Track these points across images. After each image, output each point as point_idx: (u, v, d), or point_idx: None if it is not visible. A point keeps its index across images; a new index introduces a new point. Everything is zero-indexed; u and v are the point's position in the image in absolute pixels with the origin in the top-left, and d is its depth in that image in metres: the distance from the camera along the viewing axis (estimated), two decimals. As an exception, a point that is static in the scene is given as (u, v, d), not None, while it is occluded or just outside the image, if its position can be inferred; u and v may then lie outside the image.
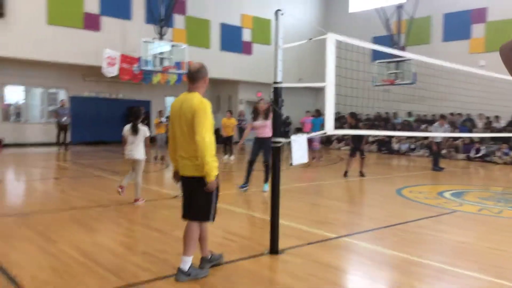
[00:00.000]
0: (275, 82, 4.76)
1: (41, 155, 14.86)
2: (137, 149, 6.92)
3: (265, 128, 8.13)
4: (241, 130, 16.35)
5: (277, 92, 4.76)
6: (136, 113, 6.95)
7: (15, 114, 18.20)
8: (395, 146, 19.03)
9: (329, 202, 8.00)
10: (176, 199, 7.57)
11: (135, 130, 6.85)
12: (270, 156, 5.45)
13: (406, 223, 6.11)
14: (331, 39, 4.99)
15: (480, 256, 4.73)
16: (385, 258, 4.69)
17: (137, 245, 4.94)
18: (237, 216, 6.56)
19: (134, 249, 4.75)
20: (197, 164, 3.71)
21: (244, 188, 8.29)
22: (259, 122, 8.29)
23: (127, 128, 6.93)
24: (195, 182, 3.78)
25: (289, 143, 4.76)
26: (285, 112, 22.91)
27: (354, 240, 5.26)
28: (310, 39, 5.04)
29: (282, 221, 5.88)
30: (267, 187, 8.13)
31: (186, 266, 3.83)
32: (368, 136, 19.78)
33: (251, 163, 8.34)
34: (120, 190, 6.93)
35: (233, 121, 14.05)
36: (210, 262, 4.11)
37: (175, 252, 4.57)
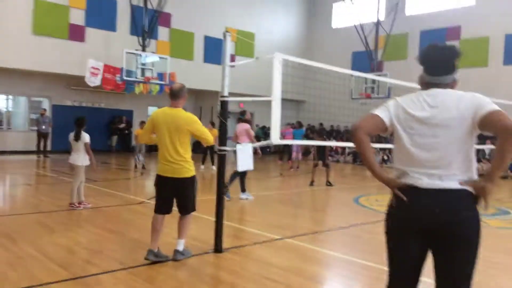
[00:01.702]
0: (222, 96, 5.20)
1: (21, 162, 15.16)
2: (78, 156, 7.28)
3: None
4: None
5: (223, 105, 5.20)
6: (80, 121, 7.32)
7: (-2, 121, 18.47)
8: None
9: (285, 209, 8.45)
10: (140, 204, 7.97)
11: (77, 137, 7.22)
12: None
13: (349, 227, 6.57)
14: (278, 58, 5.40)
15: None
16: (318, 256, 5.15)
17: (92, 244, 5.31)
18: (194, 219, 6.96)
19: (87, 248, 5.13)
20: (186, 167, 4.58)
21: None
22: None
23: (71, 135, 7.31)
24: (185, 182, 4.62)
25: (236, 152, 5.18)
26: (266, 123, 23.49)
27: (295, 241, 5.69)
28: (257, 57, 5.49)
29: (235, 224, 6.36)
30: (245, 195, 8.74)
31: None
32: (331, 148, 20.35)
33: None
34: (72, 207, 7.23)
35: (215, 132, 14.44)
36: (182, 254, 4.77)
37: (126, 250, 4.99)
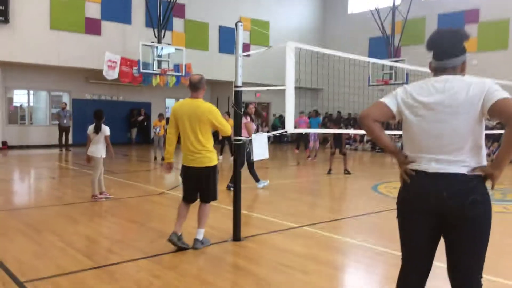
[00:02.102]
0: (236, 86, 5.25)
1: (43, 156, 15.52)
2: (97, 148, 7.42)
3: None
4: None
5: (237, 95, 5.26)
6: (98, 114, 7.47)
7: (20, 117, 18.89)
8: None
9: (303, 197, 8.51)
10: (160, 195, 8.13)
11: (97, 130, 7.37)
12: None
13: (366, 215, 6.59)
14: (291, 47, 5.42)
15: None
16: (335, 244, 5.20)
17: (114, 234, 5.47)
18: (213, 209, 7.08)
19: (110, 238, 5.28)
20: (208, 156, 4.69)
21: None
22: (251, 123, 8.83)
23: (91, 128, 7.46)
24: (207, 171, 4.73)
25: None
26: (283, 112, 23.47)
27: (312, 229, 5.75)
28: (270, 47, 5.51)
29: (253, 213, 6.45)
30: (261, 184, 8.84)
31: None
32: (349, 136, 20.22)
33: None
34: (95, 198, 7.42)
35: (231, 122, 14.55)
36: (202, 243, 4.89)
37: (147, 240, 5.12)
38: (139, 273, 4.09)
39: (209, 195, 4.84)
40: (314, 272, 4.18)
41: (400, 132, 7.33)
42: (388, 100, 2.43)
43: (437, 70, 2.38)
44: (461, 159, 2.22)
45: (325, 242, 5.25)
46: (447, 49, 2.33)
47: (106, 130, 7.40)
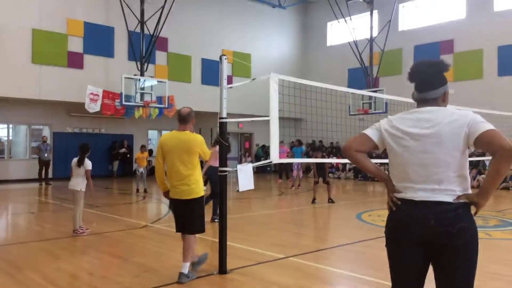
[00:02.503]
0: (221, 118, 5.30)
1: (23, 190, 15.18)
2: (77, 182, 7.37)
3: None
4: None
5: (222, 126, 5.30)
6: (83, 147, 7.44)
7: (-1, 151, 18.57)
8: (371, 173, 19.60)
9: (288, 227, 8.47)
10: (143, 228, 8.01)
11: (79, 163, 7.32)
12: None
13: (352, 244, 6.59)
14: (274, 79, 5.52)
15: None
16: (322, 274, 5.17)
17: (96, 269, 5.34)
18: (199, 240, 6.99)
19: (93, 274, 5.15)
20: (194, 187, 4.73)
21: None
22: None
23: (74, 160, 7.41)
24: (193, 203, 4.76)
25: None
26: (266, 142, 23.58)
27: (299, 259, 5.71)
28: (254, 79, 5.60)
29: (238, 245, 6.38)
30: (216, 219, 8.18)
31: (186, 270, 4.76)
32: (332, 165, 20.40)
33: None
34: (76, 233, 7.30)
35: (213, 150, 14.59)
36: (198, 263, 5.06)
37: (131, 275, 5.00)
38: (123, 310, 3.99)
39: (194, 226, 4.82)
40: (302, 303, 4.14)
41: (379, 161, 7.31)
42: (370, 132, 2.51)
43: (419, 101, 2.46)
44: (447, 188, 2.27)
45: (312, 272, 5.22)
46: (427, 81, 2.41)
47: (88, 164, 7.35)
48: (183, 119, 4.85)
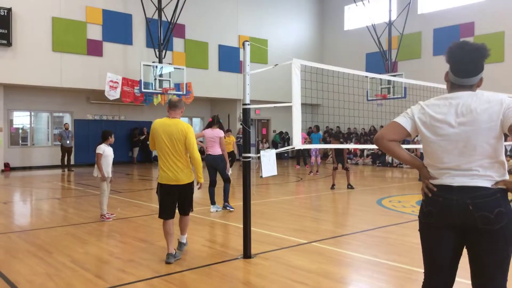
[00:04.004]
0: (244, 104, 5.33)
1: (46, 177, 15.52)
2: (95, 167, 7.53)
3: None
4: (240, 146, 16.97)
5: (245, 113, 5.33)
6: (103, 133, 7.56)
7: (22, 138, 18.95)
8: (389, 158, 19.48)
9: (309, 212, 8.52)
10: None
11: (95, 149, 7.47)
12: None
13: (374, 229, 6.61)
14: (296, 64, 5.51)
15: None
16: (346, 259, 5.22)
17: (124, 254, 5.48)
18: (222, 226, 7.10)
19: (120, 257, 5.29)
20: (185, 173, 4.92)
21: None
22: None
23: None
24: (187, 187, 5.01)
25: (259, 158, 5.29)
26: (283, 128, 23.58)
27: (322, 244, 5.77)
28: (276, 65, 5.60)
29: (260, 230, 6.46)
30: (215, 208, 8.24)
31: (184, 240, 5.44)
32: (350, 151, 20.29)
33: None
34: (102, 218, 7.48)
35: (233, 138, 14.69)
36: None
37: (158, 259, 5.13)
38: (153, 292, 4.10)
39: (188, 208, 5.20)
40: None
41: (409, 146, 7.16)
42: (403, 120, 2.48)
43: (454, 85, 2.41)
44: (485, 174, 2.27)
45: (335, 257, 5.27)
46: (471, 69, 2.33)
47: (97, 148, 7.48)
48: (174, 105, 5.01)
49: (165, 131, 4.88)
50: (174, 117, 5.00)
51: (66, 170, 16.94)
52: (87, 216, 7.81)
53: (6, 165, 17.32)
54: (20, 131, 18.99)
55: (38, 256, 5.31)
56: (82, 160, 19.11)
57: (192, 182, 5.06)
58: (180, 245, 5.39)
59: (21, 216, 8.63)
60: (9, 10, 15.51)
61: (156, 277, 4.51)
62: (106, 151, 7.44)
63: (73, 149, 17.71)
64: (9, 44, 15.52)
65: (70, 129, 17.93)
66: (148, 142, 6.22)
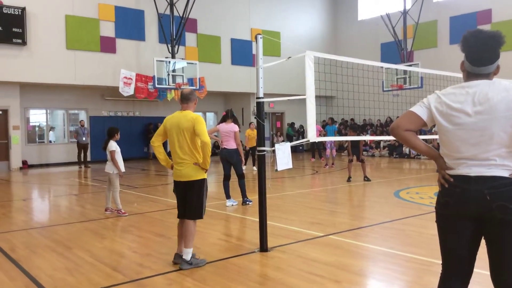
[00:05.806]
0: (258, 98, 5.30)
1: (63, 173, 15.73)
2: (109, 164, 7.57)
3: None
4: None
5: (259, 106, 5.30)
6: (109, 130, 7.62)
7: (39, 136, 19.22)
8: (406, 150, 19.28)
9: (325, 205, 8.47)
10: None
11: (105, 146, 7.51)
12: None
13: (392, 221, 6.54)
14: (310, 56, 5.45)
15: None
16: (363, 251, 5.18)
17: (142, 248, 5.52)
18: (238, 220, 7.11)
19: (138, 252, 5.33)
20: (193, 168, 4.59)
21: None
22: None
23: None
24: (191, 185, 4.62)
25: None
26: (296, 121, 23.47)
27: (338, 237, 5.73)
28: (289, 57, 5.54)
29: (276, 223, 6.45)
30: (231, 202, 8.23)
31: (188, 257, 4.59)
32: (366, 143, 20.08)
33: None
34: (107, 212, 7.57)
35: (255, 133, 14.51)
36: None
37: (175, 253, 5.14)
38: (171, 286, 4.12)
39: (192, 211, 4.62)
40: (345, 280, 4.17)
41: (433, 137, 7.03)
42: (419, 109, 2.43)
43: (470, 74, 2.36)
44: (502, 163, 2.22)
45: (353, 250, 5.23)
46: (486, 57, 2.29)
47: (110, 146, 7.49)
48: (186, 98, 4.73)
49: (173, 123, 4.69)
50: (185, 109, 4.77)
51: (82, 166, 17.16)
52: (104, 212, 7.89)
53: (24, 162, 17.60)
54: (37, 129, 19.26)
55: (58, 251, 5.38)
56: (98, 156, 19.26)
57: (201, 182, 4.62)
58: (182, 263, 4.56)
59: (40, 212, 8.76)
60: (23, 9, 15.68)
61: (173, 271, 4.53)
62: (118, 147, 7.51)
63: (89, 146, 17.90)
64: (24, 43, 15.71)
65: (85, 126, 18.13)
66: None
